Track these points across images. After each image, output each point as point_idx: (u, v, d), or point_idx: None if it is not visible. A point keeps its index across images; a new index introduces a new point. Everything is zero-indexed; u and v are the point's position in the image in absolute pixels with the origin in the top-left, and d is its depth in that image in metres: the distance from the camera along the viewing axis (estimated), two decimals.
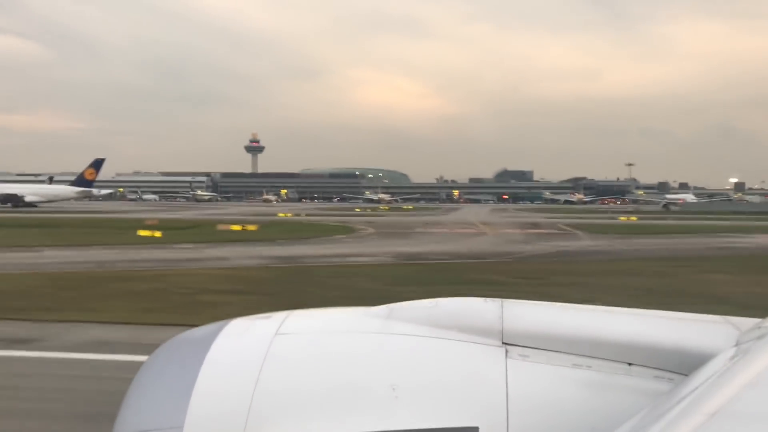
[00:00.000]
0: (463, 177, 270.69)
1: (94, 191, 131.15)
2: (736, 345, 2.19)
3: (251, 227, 50.71)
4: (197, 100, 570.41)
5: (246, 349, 2.41)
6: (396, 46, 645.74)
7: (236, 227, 50.59)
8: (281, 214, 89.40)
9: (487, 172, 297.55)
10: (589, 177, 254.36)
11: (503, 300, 2.62)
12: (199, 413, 2.17)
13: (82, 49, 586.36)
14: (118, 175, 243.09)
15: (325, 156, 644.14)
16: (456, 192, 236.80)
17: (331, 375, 2.27)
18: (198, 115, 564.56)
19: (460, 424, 2.12)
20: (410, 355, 2.34)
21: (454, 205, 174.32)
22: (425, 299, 2.64)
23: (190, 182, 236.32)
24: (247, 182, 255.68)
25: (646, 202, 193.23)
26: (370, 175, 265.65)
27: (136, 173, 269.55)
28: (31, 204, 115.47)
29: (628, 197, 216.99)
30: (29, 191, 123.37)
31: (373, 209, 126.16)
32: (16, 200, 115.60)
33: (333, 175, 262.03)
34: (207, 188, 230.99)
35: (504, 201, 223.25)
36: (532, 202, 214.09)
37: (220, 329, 2.53)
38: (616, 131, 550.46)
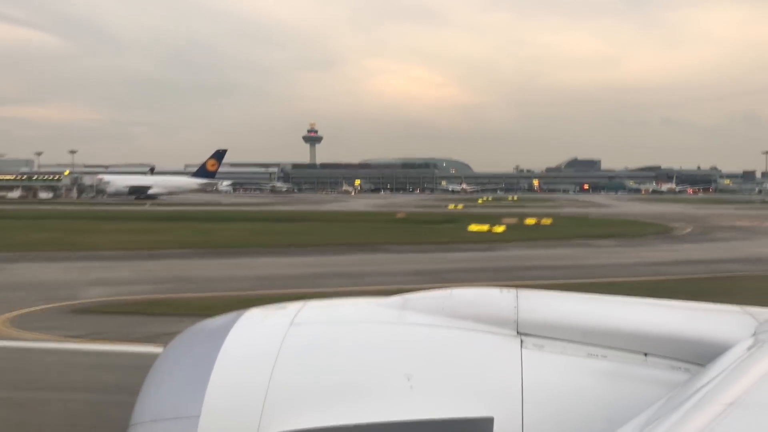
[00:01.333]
0: (539, 166, 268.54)
1: (218, 183, 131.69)
2: (754, 335, 2.17)
3: (546, 221, 49.97)
4: (214, 91, 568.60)
5: (261, 339, 2.40)
6: (416, 36, 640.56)
7: (531, 220, 49.84)
8: (451, 206, 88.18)
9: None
10: (663, 166, 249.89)
11: (518, 289, 2.57)
12: (216, 402, 2.19)
13: (101, 41, 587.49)
14: (187, 166, 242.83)
15: (357, 146, 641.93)
16: (536, 181, 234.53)
17: (346, 365, 2.26)
18: (215, 106, 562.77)
19: (475, 414, 2.10)
20: (425, 345, 2.32)
21: (568, 196, 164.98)
22: (440, 289, 2.60)
23: (268, 173, 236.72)
24: (318, 173, 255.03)
25: (734, 192, 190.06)
26: (429, 166, 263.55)
27: None
28: (153, 196, 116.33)
29: (713, 186, 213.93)
30: (153, 183, 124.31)
31: (490, 201, 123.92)
32: (141, 192, 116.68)
33: (406, 165, 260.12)
34: (279, 179, 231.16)
35: (585, 191, 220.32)
36: (615, 191, 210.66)
37: (235, 319, 2.52)
38: (637, 118, 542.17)
